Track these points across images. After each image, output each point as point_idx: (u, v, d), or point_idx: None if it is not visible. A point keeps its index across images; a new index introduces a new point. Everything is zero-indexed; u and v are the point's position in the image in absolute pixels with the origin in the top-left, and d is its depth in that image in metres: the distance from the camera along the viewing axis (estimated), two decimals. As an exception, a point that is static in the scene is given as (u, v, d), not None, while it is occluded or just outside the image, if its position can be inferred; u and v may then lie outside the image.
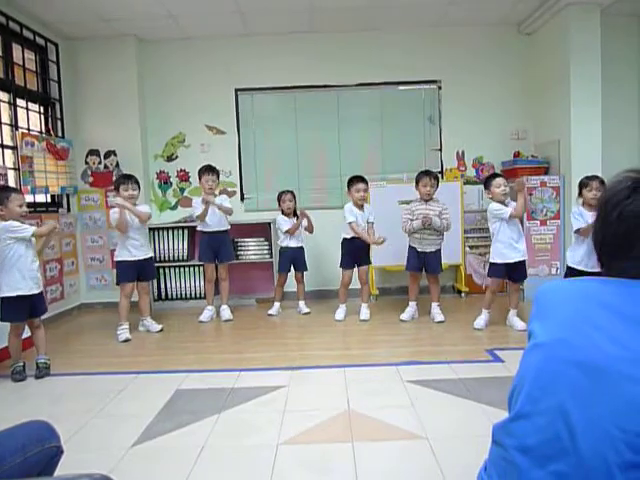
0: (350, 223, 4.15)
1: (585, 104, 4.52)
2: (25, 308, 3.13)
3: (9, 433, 1.35)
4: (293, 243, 4.57)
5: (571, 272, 3.52)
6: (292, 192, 4.64)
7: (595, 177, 3.55)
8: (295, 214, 4.62)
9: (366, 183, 4.26)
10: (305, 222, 4.57)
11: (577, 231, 3.48)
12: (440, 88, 5.28)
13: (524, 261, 3.86)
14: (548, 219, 4.71)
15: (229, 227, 4.53)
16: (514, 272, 3.85)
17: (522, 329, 3.71)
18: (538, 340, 0.97)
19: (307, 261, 4.67)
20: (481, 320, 3.90)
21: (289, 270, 4.62)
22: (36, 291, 3.16)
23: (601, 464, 0.82)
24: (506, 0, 4.55)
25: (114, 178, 4.91)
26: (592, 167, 4.26)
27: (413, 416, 2.39)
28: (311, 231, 4.64)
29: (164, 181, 5.38)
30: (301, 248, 4.63)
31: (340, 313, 4.35)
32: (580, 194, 3.60)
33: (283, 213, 4.59)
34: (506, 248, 3.81)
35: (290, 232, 4.51)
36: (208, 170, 4.40)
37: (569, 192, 4.60)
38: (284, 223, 4.53)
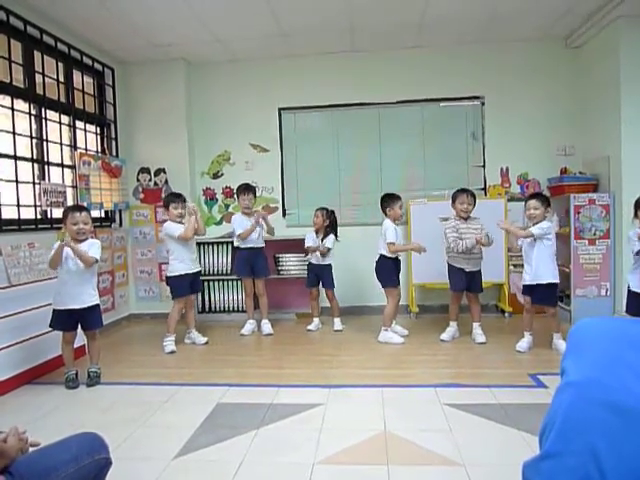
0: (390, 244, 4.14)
1: (636, 119, 4.36)
2: (70, 320, 3.31)
3: (63, 444, 1.44)
4: (315, 260, 4.60)
5: (634, 297, 3.25)
6: (325, 209, 4.64)
7: None
8: (326, 232, 4.61)
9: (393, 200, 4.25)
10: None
11: (638, 253, 3.29)
12: (483, 104, 5.23)
13: (541, 285, 3.69)
14: (597, 238, 4.54)
15: (264, 244, 4.64)
16: (533, 294, 3.76)
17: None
18: (570, 379, 0.97)
19: (342, 277, 4.67)
20: (524, 343, 3.81)
21: (316, 285, 4.66)
22: (83, 306, 3.31)
23: None
24: (550, 15, 4.48)
25: (163, 195, 5.15)
26: (644, 185, 4.11)
27: (450, 441, 2.36)
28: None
29: (210, 197, 5.57)
30: (327, 265, 4.62)
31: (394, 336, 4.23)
32: (636, 215, 3.42)
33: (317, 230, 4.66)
34: (525, 268, 3.83)
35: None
36: (245, 190, 4.56)
37: (620, 210, 4.44)
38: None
